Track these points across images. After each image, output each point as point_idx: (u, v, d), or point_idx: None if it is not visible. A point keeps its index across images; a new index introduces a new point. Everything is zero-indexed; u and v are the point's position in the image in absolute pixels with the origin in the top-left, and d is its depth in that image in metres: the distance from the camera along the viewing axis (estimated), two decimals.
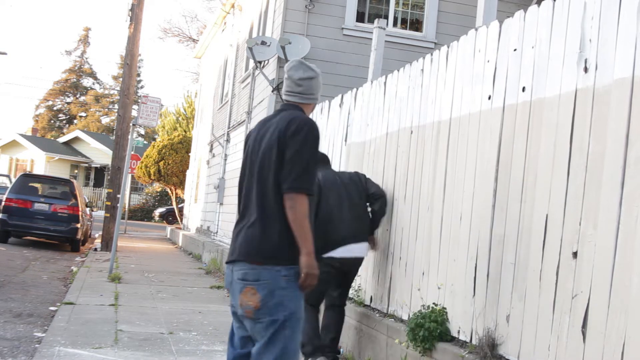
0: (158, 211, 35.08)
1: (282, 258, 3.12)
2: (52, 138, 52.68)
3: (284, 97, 3.46)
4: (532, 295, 3.76)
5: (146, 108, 11.48)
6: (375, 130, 6.18)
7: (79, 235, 15.69)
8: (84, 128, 55.80)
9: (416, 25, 11.79)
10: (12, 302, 7.88)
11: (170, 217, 32.64)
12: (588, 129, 3.48)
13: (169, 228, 24.38)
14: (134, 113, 17.20)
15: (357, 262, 5.42)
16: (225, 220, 14.40)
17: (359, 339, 5.63)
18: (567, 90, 3.67)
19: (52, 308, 7.66)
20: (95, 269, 11.32)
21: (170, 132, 32.90)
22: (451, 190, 4.76)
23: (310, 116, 3.48)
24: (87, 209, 18.23)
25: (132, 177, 26.97)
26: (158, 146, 25.61)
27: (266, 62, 11.65)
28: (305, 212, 3.09)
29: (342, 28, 11.20)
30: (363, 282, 6.02)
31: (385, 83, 6.09)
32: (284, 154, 3.16)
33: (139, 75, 59.77)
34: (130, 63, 16.01)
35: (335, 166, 6.96)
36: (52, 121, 63.63)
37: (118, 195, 15.12)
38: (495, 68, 4.38)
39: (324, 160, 5.67)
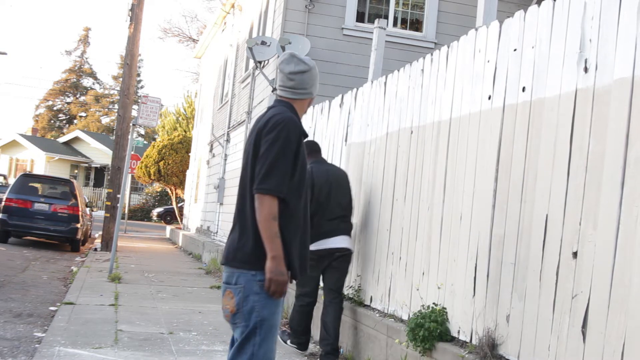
0: (156, 211, 35.09)
1: (257, 263, 3.00)
2: (52, 138, 52.70)
3: (276, 92, 3.34)
4: (532, 295, 3.76)
5: (146, 108, 11.48)
6: (375, 131, 6.18)
7: (79, 235, 15.70)
8: (84, 128, 55.82)
9: (416, 25, 11.80)
10: (12, 302, 7.89)
11: (169, 217, 32.65)
12: (588, 129, 3.48)
13: (168, 228, 24.39)
14: (134, 113, 17.19)
15: (334, 252, 5.60)
16: (225, 220, 14.41)
17: (359, 339, 5.63)
18: (567, 90, 3.67)
19: (52, 308, 7.66)
20: (95, 269, 11.32)
21: (170, 132, 32.92)
22: (451, 190, 4.76)
23: (308, 112, 3.39)
24: (87, 209, 18.23)
25: (132, 177, 26.98)
26: (158, 146, 25.62)
27: (266, 62, 11.66)
28: (270, 214, 2.95)
29: (342, 28, 11.20)
30: (363, 282, 6.02)
31: (385, 83, 6.09)
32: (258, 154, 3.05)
33: (139, 75, 59.77)
34: (130, 63, 16.01)
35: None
36: (52, 121, 63.64)
37: (118, 195, 15.13)
38: (496, 68, 4.38)
39: (314, 149, 5.83)
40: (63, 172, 40.37)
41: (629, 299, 3.08)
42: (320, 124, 7.62)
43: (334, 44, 11.11)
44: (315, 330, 6.09)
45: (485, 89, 4.45)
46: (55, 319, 6.75)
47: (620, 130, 3.25)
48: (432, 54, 5.28)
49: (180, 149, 25.33)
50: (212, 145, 18.00)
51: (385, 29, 7.22)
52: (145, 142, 42.77)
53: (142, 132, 48.79)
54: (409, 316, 4.97)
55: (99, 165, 44.81)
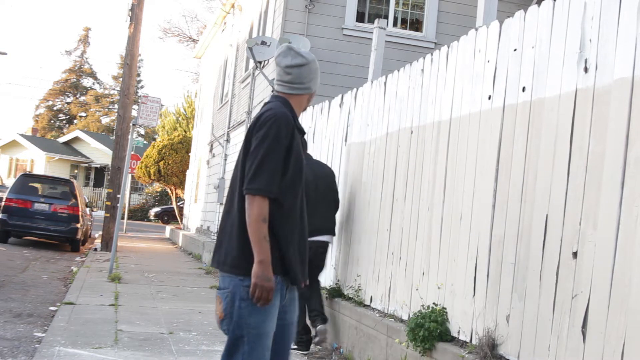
0: (153, 210, 35.11)
1: (244, 267, 2.83)
2: (52, 138, 52.70)
3: (274, 87, 3.15)
4: (532, 295, 3.76)
5: (146, 108, 11.48)
6: (375, 131, 6.18)
7: (79, 235, 15.70)
8: (84, 128, 55.82)
9: (416, 25, 11.79)
10: (12, 302, 7.88)
11: (166, 217, 32.68)
12: (588, 129, 3.48)
13: (168, 228, 24.39)
14: (134, 113, 17.18)
15: (318, 246, 5.91)
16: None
17: (359, 339, 5.63)
18: (567, 90, 3.67)
19: (52, 308, 7.66)
20: (95, 269, 11.32)
21: (170, 132, 32.92)
22: (451, 190, 4.76)
23: (308, 112, 3.28)
24: (87, 209, 18.23)
25: (132, 177, 26.97)
26: (158, 146, 25.63)
27: (266, 62, 11.66)
28: (259, 215, 2.79)
29: (342, 28, 11.20)
30: (363, 282, 6.02)
31: (385, 83, 6.09)
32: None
33: (139, 75, 59.76)
34: (130, 63, 16.01)
35: (336, 166, 6.97)
36: (52, 121, 63.65)
37: (118, 195, 15.13)
38: (496, 68, 4.38)
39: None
40: (63, 172, 40.36)
41: (629, 299, 3.08)
42: (320, 124, 7.62)
43: (334, 44, 11.11)
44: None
45: (485, 89, 4.45)
46: (55, 319, 6.75)
47: (620, 130, 3.25)
48: (432, 54, 5.28)
49: (180, 149, 25.34)
50: (212, 145, 18.00)
51: (385, 29, 7.22)
52: (145, 142, 42.76)
53: (142, 132, 48.80)
54: (409, 316, 4.97)
55: (99, 165, 44.81)
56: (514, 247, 3.97)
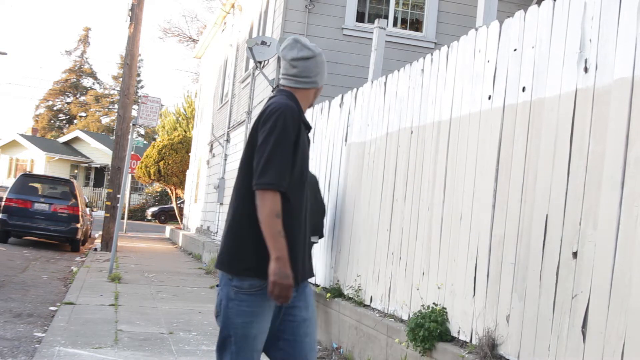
0: (150, 210, 35.11)
1: (235, 266, 2.78)
2: (52, 138, 52.71)
3: (280, 80, 3.04)
4: (532, 295, 3.76)
5: (146, 108, 11.49)
6: (375, 131, 6.18)
7: (79, 235, 15.70)
8: (84, 128, 55.83)
9: (416, 25, 11.80)
10: (12, 302, 7.88)
11: (163, 217, 32.69)
12: (588, 129, 3.48)
13: (168, 228, 24.39)
14: (134, 113, 17.19)
15: None
16: (225, 220, 14.39)
17: (359, 339, 5.63)
18: (567, 90, 3.67)
19: (52, 308, 7.66)
20: (95, 269, 11.32)
21: (170, 132, 32.93)
22: (451, 190, 4.76)
23: (308, 112, 3.20)
24: (87, 209, 18.23)
25: (132, 177, 26.98)
26: (158, 146, 25.63)
27: (266, 62, 11.66)
28: (272, 211, 2.68)
29: (342, 28, 11.20)
30: (363, 282, 6.02)
31: (385, 83, 6.09)
32: (254, 148, 2.80)
33: (139, 75, 59.77)
34: (130, 63, 16.01)
35: (336, 166, 6.97)
36: (52, 121, 63.65)
37: (118, 195, 15.13)
38: (496, 68, 4.38)
39: None
40: (63, 172, 40.37)
41: (629, 299, 3.08)
42: (320, 124, 7.62)
43: (334, 44, 11.10)
44: None
45: (485, 89, 4.45)
46: (55, 319, 6.75)
47: (620, 130, 3.25)
48: (432, 54, 5.28)
49: (180, 149, 25.34)
50: (212, 145, 18.00)
51: (385, 29, 7.22)
52: (145, 142, 42.77)
53: (142, 132, 48.80)
54: (409, 316, 4.97)
55: (99, 165, 44.81)
56: (514, 247, 3.97)
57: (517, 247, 3.94)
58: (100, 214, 24.83)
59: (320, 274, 6.99)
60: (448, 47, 5.02)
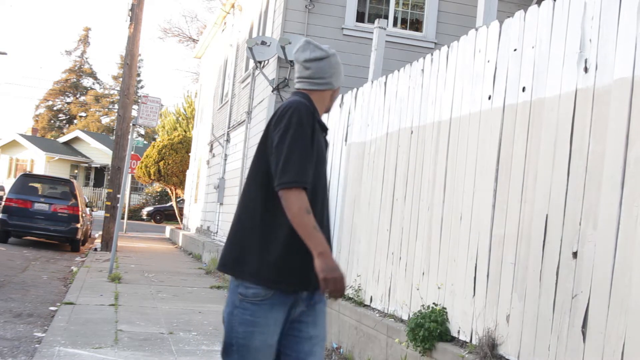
0: (146, 210, 35.11)
1: (241, 271, 2.67)
2: (52, 138, 52.70)
3: (295, 85, 2.95)
4: (532, 295, 3.76)
5: (146, 108, 11.49)
6: (375, 131, 6.18)
7: (79, 235, 15.70)
8: (84, 128, 55.83)
9: (416, 25, 11.79)
10: (12, 302, 7.88)
11: (159, 216, 32.68)
12: (588, 129, 3.48)
13: (168, 228, 24.40)
14: (134, 113, 17.19)
15: None
16: (225, 221, 14.40)
17: (359, 339, 5.63)
18: (567, 90, 3.67)
19: (52, 308, 7.66)
20: (95, 269, 11.32)
21: (170, 132, 32.93)
22: (451, 190, 4.76)
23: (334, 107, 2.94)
24: (87, 209, 18.23)
25: (132, 177, 26.98)
26: (158, 146, 25.63)
27: (266, 62, 11.66)
28: (301, 208, 2.54)
29: (342, 28, 11.20)
30: (363, 282, 6.02)
31: (385, 83, 6.09)
32: (267, 149, 2.70)
33: (139, 75, 59.78)
34: (130, 63, 16.01)
35: (336, 166, 6.98)
36: (52, 121, 63.65)
37: (118, 195, 15.13)
38: (496, 68, 4.38)
39: None
40: (63, 172, 40.37)
41: (629, 299, 3.08)
42: None
43: (334, 44, 11.10)
44: None
45: (485, 89, 4.45)
46: (55, 319, 6.75)
47: (620, 130, 3.25)
48: (432, 54, 5.28)
49: (180, 149, 25.34)
50: (212, 145, 18.00)
51: (385, 29, 7.22)
52: (145, 142, 42.77)
53: (142, 132, 48.80)
54: (409, 316, 4.97)
55: (99, 165, 44.81)
56: (514, 247, 3.97)
57: (517, 247, 3.94)
58: (100, 214, 24.83)
59: None
60: (448, 47, 5.02)
